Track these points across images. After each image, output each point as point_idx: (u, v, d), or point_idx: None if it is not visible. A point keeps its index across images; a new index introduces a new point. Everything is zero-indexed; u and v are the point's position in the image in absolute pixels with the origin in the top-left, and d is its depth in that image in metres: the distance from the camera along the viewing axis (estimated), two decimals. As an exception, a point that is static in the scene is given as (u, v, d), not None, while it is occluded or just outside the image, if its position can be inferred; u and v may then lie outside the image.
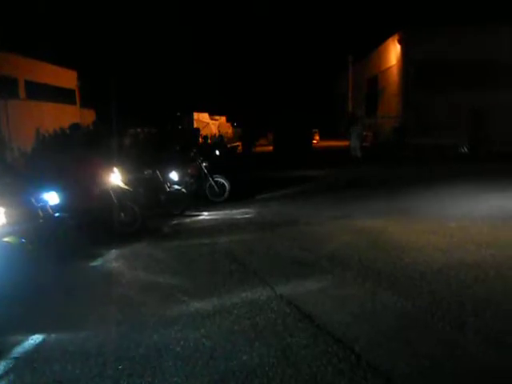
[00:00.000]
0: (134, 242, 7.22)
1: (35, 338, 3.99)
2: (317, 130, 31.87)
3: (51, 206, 6.50)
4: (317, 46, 41.61)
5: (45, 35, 28.18)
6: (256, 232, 7.57)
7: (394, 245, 6.36)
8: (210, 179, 10.47)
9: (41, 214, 6.14)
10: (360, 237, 6.89)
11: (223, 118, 40.97)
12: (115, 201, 7.67)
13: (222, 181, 10.47)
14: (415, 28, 24.43)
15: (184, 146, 12.97)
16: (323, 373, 3.24)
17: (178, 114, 32.12)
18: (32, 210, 6.00)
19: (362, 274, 5.18)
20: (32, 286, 5.04)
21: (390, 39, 27.22)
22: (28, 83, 23.33)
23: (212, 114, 37.33)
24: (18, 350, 3.81)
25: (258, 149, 27.55)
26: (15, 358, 3.68)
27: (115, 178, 7.98)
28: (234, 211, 9.44)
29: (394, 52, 26.85)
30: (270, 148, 24.83)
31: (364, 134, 22.78)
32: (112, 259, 6.46)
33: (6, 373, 3.47)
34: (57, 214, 6.52)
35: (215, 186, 10.45)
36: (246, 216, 8.94)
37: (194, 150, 11.42)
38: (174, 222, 8.79)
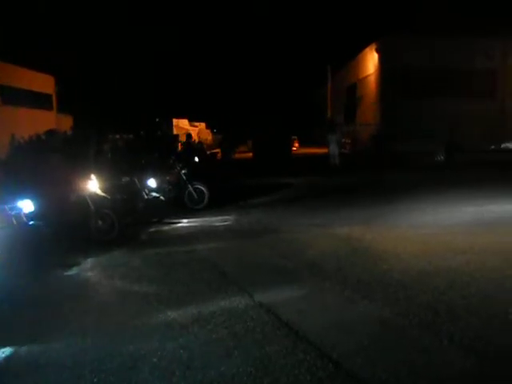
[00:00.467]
0: (111, 250, 7.11)
1: (5, 351, 3.87)
2: (296, 137, 32.10)
3: (25, 214, 6.37)
4: (296, 54, 41.98)
5: (21, 39, 27.75)
6: (235, 240, 7.54)
7: (371, 252, 6.41)
8: (189, 186, 10.41)
9: (14, 221, 6.01)
10: (339, 244, 6.92)
11: (203, 125, 40.90)
12: (92, 208, 7.56)
13: (201, 188, 10.42)
14: (392, 37, 24.86)
15: (163, 152, 12.89)
16: (302, 382, 3.23)
17: (157, 119, 31.93)
18: (5, 218, 5.87)
19: (340, 281, 5.20)
20: (3, 295, 4.91)
21: (368, 48, 27.65)
22: (3, 88, 22.89)
23: (192, 120, 37.22)
24: (-11, 363, 3.70)
25: (238, 156, 27.56)
26: (-15, 372, 3.57)
27: (92, 185, 7.87)
28: (213, 219, 9.39)
29: (371, 61, 27.26)
30: (250, 155, 24.87)
31: (343, 141, 23.02)
32: (88, 268, 6.35)
33: (-24, 387, 3.37)
34: (31, 222, 6.39)
35: (194, 194, 10.39)
36: (225, 223, 8.91)
37: (173, 157, 11.36)
38: (152, 229, 8.70)
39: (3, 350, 3.88)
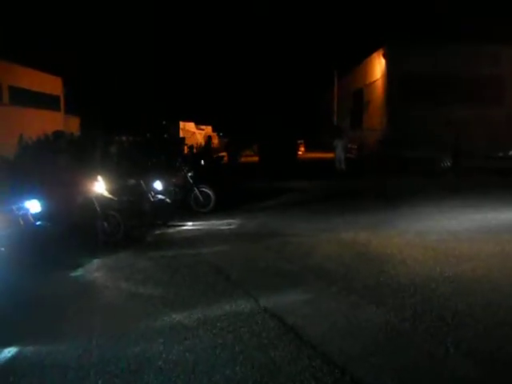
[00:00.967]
0: (117, 251, 7.13)
1: (11, 351, 3.89)
2: (302, 142, 32.07)
3: (32, 215, 6.39)
4: (303, 59, 42.03)
5: (30, 40, 27.97)
6: (240, 243, 7.54)
7: (377, 258, 6.39)
8: (195, 189, 10.42)
9: (21, 222, 6.05)
10: (344, 249, 6.91)
11: (209, 128, 40.97)
12: (98, 209, 7.58)
13: (207, 191, 10.42)
14: (400, 43, 24.84)
15: (169, 155, 12.91)
16: (306, 387, 3.22)
17: (164, 122, 32.03)
18: (12, 219, 5.90)
19: (346, 286, 5.19)
20: (10, 295, 4.94)
21: (375, 53, 27.62)
22: (12, 89, 23.05)
23: (198, 123, 37.31)
24: (-6, 363, 3.71)
25: (244, 159, 27.57)
26: (-10, 371, 3.58)
27: (99, 187, 7.89)
28: (219, 222, 9.39)
29: (378, 66, 27.23)
30: (256, 158, 24.86)
31: (349, 146, 22.97)
32: (93, 269, 6.36)
33: (-19, 387, 3.38)
34: (38, 223, 6.41)
35: (200, 196, 10.40)
36: (231, 227, 8.91)
37: (179, 160, 11.37)
38: (158, 232, 8.72)
39: (9, 349, 3.90)
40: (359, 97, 31.73)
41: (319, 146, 36.04)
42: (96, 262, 6.66)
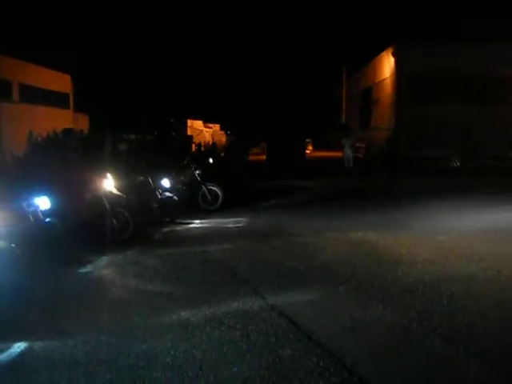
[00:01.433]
0: (125, 248, 7.16)
1: (21, 346, 3.91)
2: (310, 140, 32.03)
3: (42, 211, 6.43)
4: (312, 57, 41.92)
5: (40, 38, 28.14)
6: (248, 241, 7.54)
7: (386, 257, 6.36)
8: (203, 187, 10.44)
9: (31, 218, 6.08)
10: (352, 249, 6.88)
11: (217, 126, 41.00)
12: (107, 207, 7.62)
13: (215, 189, 10.44)
14: (409, 42, 24.70)
15: (177, 153, 12.94)
16: (314, 386, 3.21)
17: (172, 120, 32.10)
18: (22, 215, 5.94)
19: (354, 286, 5.17)
20: (19, 291, 4.97)
21: (385, 52, 27.47)
22: (22, 86, 23.21)
23: (206, 121, 37.35)
24: (3, 358, 3.73)
25: (251, 157, 27.59)
26: (0, 366, 3.61)
27: (108, 184, 7.92)
28: (226, 220, 9.40)
29: (387, 65, 27.08)
30: (263, 157, 24.88)
31: (357, 145, 22.90)
32: (102, 266, 6.40)
33: (-9, 381, 3.41)
34: (47, 219, 6.45)
35: (208, 194, 10.41)
36: (239, 225, 8.92)
37: (187, 158, 11.39)
38: (166, 229, 8.74)
39: (19, 344, 3.92)
40: (368, 95, 31.58)
41: (327, 145, 35.97)
42: (104, 259, 6.69)
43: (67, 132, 11.69)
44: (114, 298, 5.20)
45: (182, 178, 10.49)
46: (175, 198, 9.41)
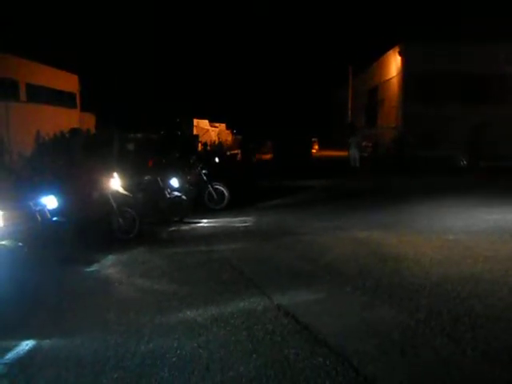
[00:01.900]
0: (132, 248, 7.19)
1: (29, 344, 3.95)
2: (316, 140, 31.96)
3: (49, 210, 6.47)
4: (318, 56, 41.87)
5: (47, 38, 28.29)
6: (254, 241, 7.55)
7: (391, 257, 6.34)
8: (210, 186, 10.46)
9: (39, 217, 6.12)
10: (358, 248, 6.87)
11: (223, 126, 40.99)
12: (114, 206, 7.65)
13: (222, 188, 10.45)
14: (416, 41, 24.60)
15: (184, 152, 12.96)
16: (320, 386, 3.21)
17: (178, 119, 32.15)
18: (30, 214, 5.98)
19: (360, 286, 5.16)
20: (27, 290, 5.00)
21: (391, 51, 27.39)
22: (29, 86, 23.33)
23: (212, 120, 37.36)
24: (12, 355, 3.77)
25: (258, 157, 27.57)
26: (8, 363, 3.64)
27: (115, 183, 7.96)
28: (233, 219, 9.42)
29: (394, 64, 27.00)
30: (270, 156, 24.84)
31: (363, 144, 22.84)
32: (109, 265, 6.43)
33: (0, 378, 3.43)
34: (54, 219, 6.49)
35: (214, 194, 10.43)
36: (245, 224, 8.93)
37: (194, 157, 11.41)
38: (173, 228, 8.76)
39: (27, 342, 3.96)
40: (374, 94, 31.51)
41: (333, 144, 35.89)
42: (111, 258, 6.72)
43: (74, 132, 11.75)
44: (121, 296, 5.22)
45: (189, 177, 10.50)
46: (184, 197, 9.43)
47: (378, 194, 12.91)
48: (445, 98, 23.75)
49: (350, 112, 32.93)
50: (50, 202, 6.67)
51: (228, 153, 21.82)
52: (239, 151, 23.56)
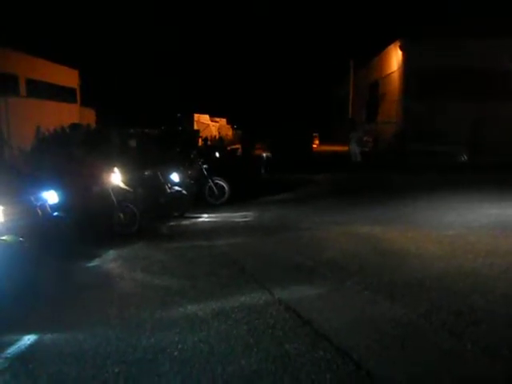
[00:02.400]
0: (133, 242, 7.19)
1: (30, 338, 3.95)
2: (317, 134, 31.90)
3: (50, 205, 6.47)
4: (319, 50, 41.73)
5: (47, 33, 28.20)
6: (255, 236, 7.55)
7: (392, 252, 6.34)
8: (210, 181, 10.45)
9: (39, 212, 6.12)
10: (359, 243, 6.87)
11: (224, 120, 40.92)
12: (115, 201, 7.65)
13: (222, 183, 10.45)
14: (417, 35, 24.49)
15: (184, 147, 12.94)
16: (322, 381, 3.22)
17: (179, 114, 32.09)
18: (30, 209, 5.98)
19: (361, 281, 5.16)
20: (28, 285, 5.01)
21: (392, 45, 27.28)
22: (29, 81, 23.27)
23: (213, 115, 37.30)
24: (13, 350, 3.77)
25: (258, 151, 27.50)
26: (10, 358, 3.65)
27: (115, 178, 7.95)
28: (234, 214, 9.42)
29: (395, 58, 26.90)
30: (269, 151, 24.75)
31: (364, 139, 22.80)
32: (109, 260, 6.43)
33: (2, 372, 3.44)
34: (55, 213, 6.49)
35: (215, 189, 10.43)
36: (246, 219, 8.92)
37: (194, 152, 11.40)
38: (173, 223, 8.77)
39: (28, 336, 3.97)
40: (375, 89, 31.42)
41: (334, 139, 35.83)
42: (112, 252, 6.72)
43: (75, 127, 11.73)
44: (122, 291, 5.22)
45: (190, 172, 10.49)
46: (184, 192, 9.43)
47: (378, 189, 12.90)
48: (446, 94, 23.67)
49: (350, 107, 32.85)
50: (51, 196, 6.66)
51: (228, 148, 21.78)
52: (240, 146, 23.51)
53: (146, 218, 8.25)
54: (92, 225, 7.39)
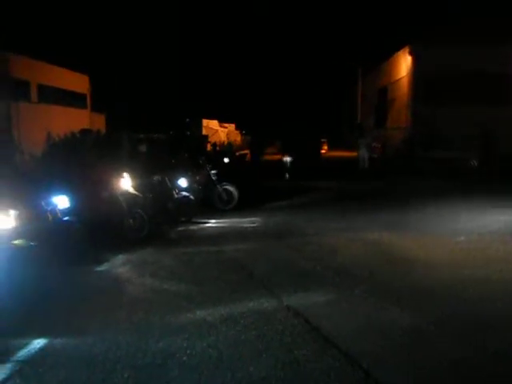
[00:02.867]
0: (142, 247, 7.22)
1: (40, 342, 3.97)
2: (325, 140, 31.92)
3: (60, 210, 6.52)
4: (327, 56, 41.75)
5: (58, 39, 28.51)
6: (263, 241, 7.55)
7: (402, 259, 6.31)
8: (218, 187, 10.47)
9: (50, 217, 6.17)
10: (368, 250, 6.84)
11: (232, 126, 41.06)
12: (124, 206, 7.69)
13: (230, 189, 10.46)
14: (426, 40, 24.42)
15: (192, 152, 12.99)
16: (330, 387, 3.21)
17: (187, 120, 32.24)
18: (41, 214, 6.03)
19: (370, 288, 5.14)
20: (38, 288, 5.05)
21: (401, 51, 27.23)
22: (40, 86, 23.53)
23: (222, 121, 37.44)
24: (23, 354, 3.79)
25: (266, 157, 27.57)
26: (20, 362, 3.67)
27: (125, 184, 8.00)
28: (242, 220, 9.42)
29: (404, 64, 26.85)
30: (278, 156, 24.80)
31: (373, 145, 22.73)
32: (119, 265, 6.46)
33: (12, 376, 3.46)
34: (65, 218, 6.53)
35: (223, 194, 10.44)
36: (254, 225, 8.93)
37: (203, 157, 11.43)
38: (182, 228, 8.79)
39: (38, 340, 3.99)
40: (384, 95, 31.34)
41: (342, 145, 35.79)
42: (121, 257, 6.76)
43: (85, 132, 11.83)
44: (131, 296, 5.25)
45: (198, 177, 10.52)
46: (192, 197, 9.46)
47: (387, 195, 12.85)
48: (456, 99, 23.55)
49: (359, 112, 32.81)
50: (61, 201, 6.72)
51: (237, 153, 21.83)
52: (248, 151, 23.56)
53: (154, 223, 8.28)
54: (101, 229, 7.42)
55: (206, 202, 10.42)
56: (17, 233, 5.24)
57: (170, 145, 15.20)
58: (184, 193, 9.49)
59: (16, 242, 5.04)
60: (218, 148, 21.28)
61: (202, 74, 42.62)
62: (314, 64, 43.80)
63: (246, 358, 3.63)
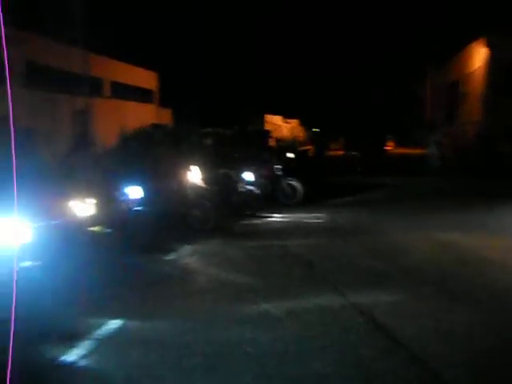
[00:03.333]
0: (207, 239, 7.40)
1: (116, 323, 4.19)
2: (391, 137, 31.12)
3: (132, 200, 6.83)
4: (395, 52, 40.44)
5: (130, 38, 29.68)
6: (328, 237, 7.49)
7: (474, 260, 6.03)
8: (283, 182, 10.49)
9: (123, 206, 6.49)
10: (437, 250, 6.60)
11: (296, 122, 40.92)
12: (192, 198, 7.91)
13: (295, 184, 10.45)
14: (503, 31, 23.01)
15: (256, 147, 13.09)
16: (398, 388, 3.14)
17: (250, 115, 32.51)
18: (116, 203, 6.35)
19: (440, 288, 4.96)
20: (113, 273, 5.32)
21: (474, 43, 25.86)
22: (112, 83, 24.71)
23: (286, 117, 37.46)
24: (101, 332, 4.01)
25: (330, 153, 27.27)
26: (99, 340, 3.88)
27: (193, 176, 8.22)
28: (305, 215, 9.39)
29: (478, 56, 25.47)
30: (342, 152, 24.50)
31: (443, 141, 21.77)
32: (185, 254, 6.67)
33: (92, 352, 3.68)
34: (137, 208, 6.83)
35: (288, 189, 10.45)
36: (318, 221, 8.87)
37: (267, 152, 11.50)
38: (246, 222, 8.92)
39: (115, 321, 4.21)
40: (455, 89, 29.91)
41: (412, 142, 34.63)
42: (187, 247, 6.97)
43: (156, 127, 12.27)
44: (198, 285, 5.42)
45: (263, 172, 10.60)
46: (257, 191, 9.55)
47: (457, 194, 12.27)
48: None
49: (428, 108, 31.56)
50: (134, 192, 7.03)
51: (300, 149, 21.74)
52: (311, 147, 23.40)
53: (219, 216, 8.46)
54: (170, 220, 7.69)
55: (271, 197, 10.48)
56: (94, 220, 5.56)
57: (235, 139, 15.40)
58: (249, 187, 9.60)
59: (94, 228, 5.34)
60: (281, 143, 21.29)
61: (268, 69, 42.74)
62: (381, 59, 42.58)
63: (311, 353, 3.63)
